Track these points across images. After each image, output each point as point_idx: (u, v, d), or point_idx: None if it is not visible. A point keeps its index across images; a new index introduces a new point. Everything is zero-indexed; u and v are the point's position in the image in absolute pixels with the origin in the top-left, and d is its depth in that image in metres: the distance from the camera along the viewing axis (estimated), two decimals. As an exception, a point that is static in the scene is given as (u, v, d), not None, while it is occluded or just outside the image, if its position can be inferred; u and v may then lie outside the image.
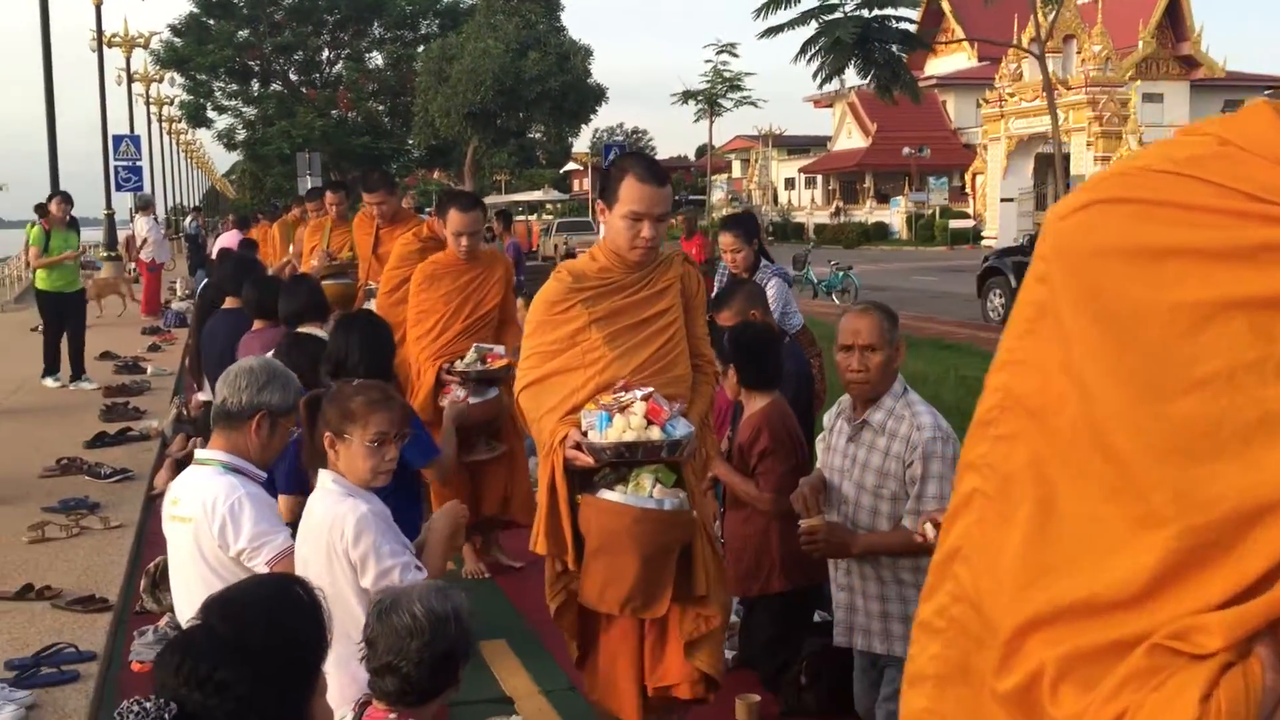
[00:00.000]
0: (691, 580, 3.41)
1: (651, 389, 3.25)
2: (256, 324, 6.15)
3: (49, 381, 11.50)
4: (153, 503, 7.22)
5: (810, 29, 7.96)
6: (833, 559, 3.66)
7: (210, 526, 3.15)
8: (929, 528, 3.12)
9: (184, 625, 3.38)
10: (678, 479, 3.34)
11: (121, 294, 18.76)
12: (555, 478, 3.31)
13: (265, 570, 3.09)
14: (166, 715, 1.56)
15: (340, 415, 3.01)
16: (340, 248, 8.43)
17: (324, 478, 3.02)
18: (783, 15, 7.99)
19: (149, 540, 6.49)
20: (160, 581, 5.38)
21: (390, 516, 3.00)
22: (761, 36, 8.01)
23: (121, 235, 19.12)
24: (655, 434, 3.17)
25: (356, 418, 3.00)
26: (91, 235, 21.00)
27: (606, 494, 3.26)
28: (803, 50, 7.98)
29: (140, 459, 8.24)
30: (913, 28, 8.64)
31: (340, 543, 2.90)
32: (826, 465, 3.71)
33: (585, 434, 3.22)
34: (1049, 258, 0.92)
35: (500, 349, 5.44)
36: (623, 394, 3.25)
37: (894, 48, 7.87)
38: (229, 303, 7.00)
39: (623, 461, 3.23)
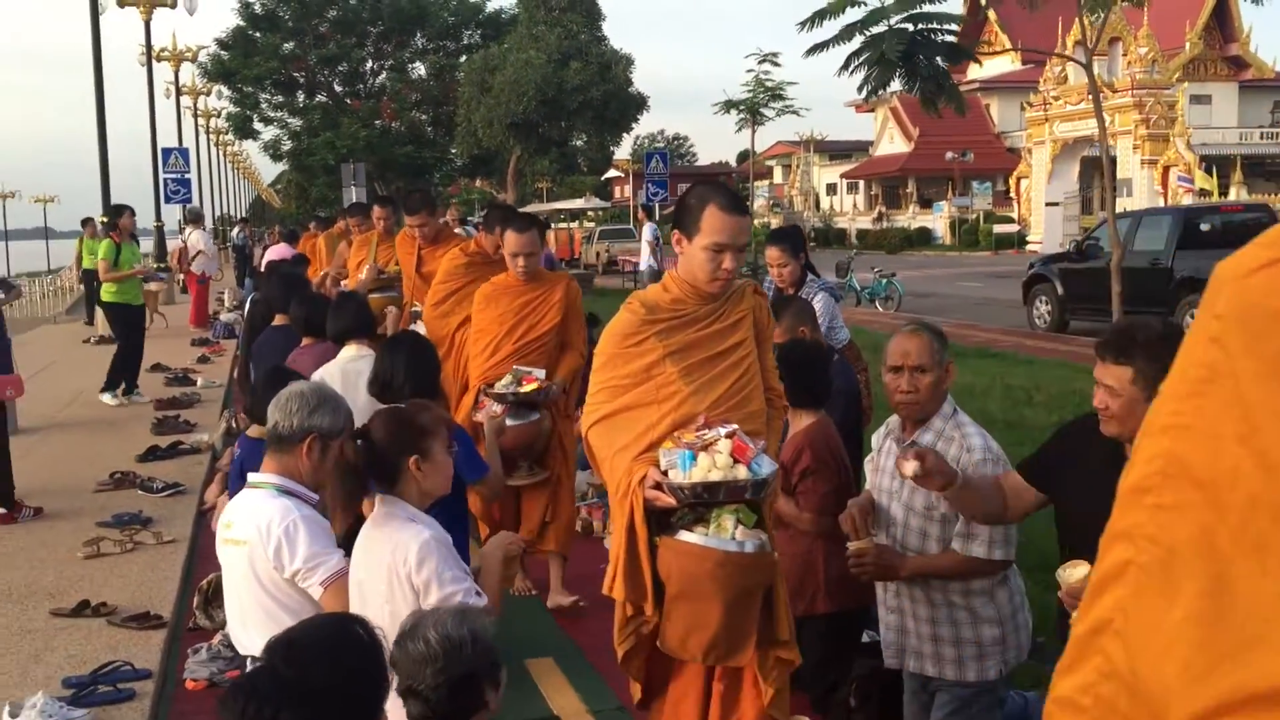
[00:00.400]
0: (774, 624, 3.30)
1: (735, 426, 3.11)
2: (305, 341, 6.22)
3: (107, 398, 11.48)
4: (204, 517, 7.32)
5: (855, 43, 7.91)
6: (881, 581, 3.64)
7: (265, 549, 3.18)
8: (909, 464, 3.08)
9: (238, 648, 3.43)
10: (758, 519, 3.20)
11: (149, 306, 18.74)
12: (634, 520, 3.15)
13: (319, 590, 3.12)
14: None
15: (418, 434, 3.04)
16: (388, 261, 8.48)
17: (386, 504, 3.03)
18: (828, 29, 7.96)
19: (201, 555, 6.57)
20: (213, 599, 5.45)
21: (450, 542, 3.02)
22: (808, 54, 7.96)
23: (171, 247, 19.53)
24: (742, 473, 3.04)
25: (433, 431, 3.07)
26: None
27: (687, 536, 3.12)
28: (846, 65, 7.93)
29: (191, 473, 8.35)
30: (955, 39, 8.58)
31: (403, 568, 2.91)
32: (875, 486, 3.69)
33: (665, 473, 3.08)
34: (1226, 317, 0.86)
35: (539, 372, 5.35)
36: (706, 431, 3.10)
37: (939, 60, 7.81)
38: (278, 320, 7.08)
39: (701, 502, 3.09)
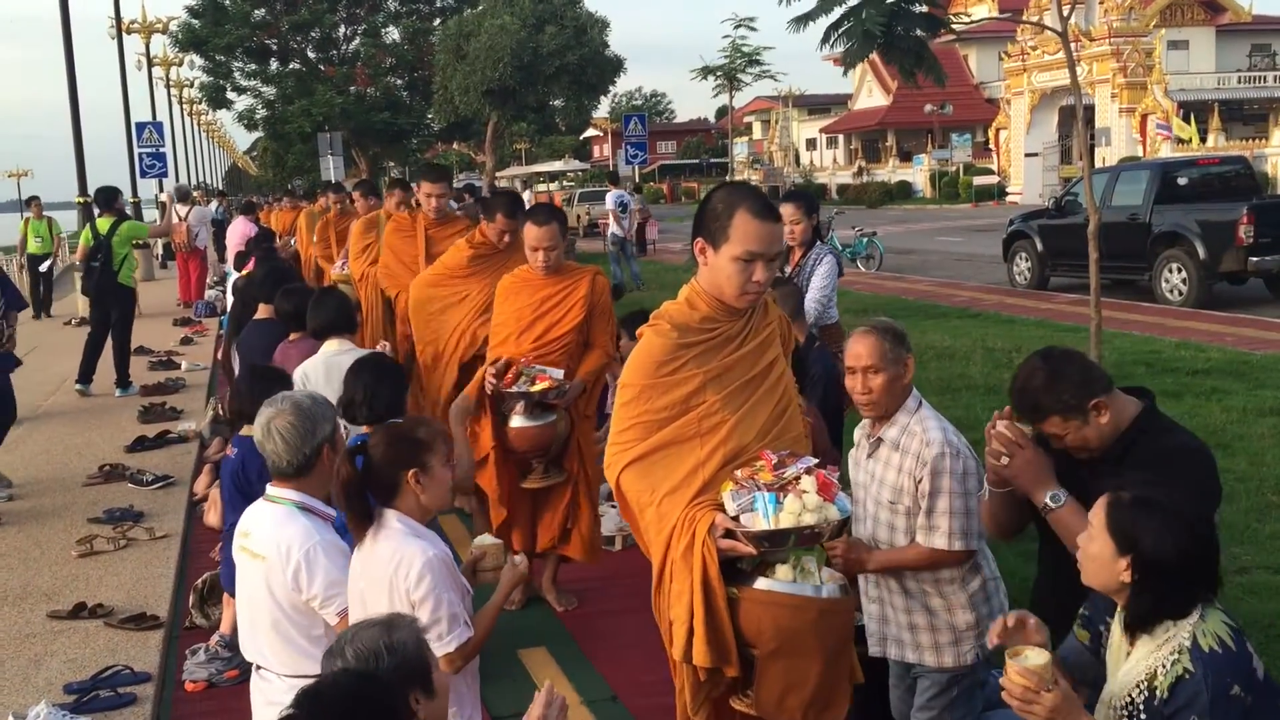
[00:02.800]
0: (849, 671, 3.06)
1: (815, 459, 2.77)
2: (293, 335, 6.24)
3: (120, 393, 11.25)
4: (195, 509, 7.37)
5: (835, 14, 7.88)
6: (850, 574, 3.72)
7: (284, 571, 3.22)
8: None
9: (243, 652, 3.49)
10: (825, 558, 2.92)
11: None
12: (709, 575, 2.78)
13: (335, 619, 3.16)
14: None
15: (417, 449, 3.10)
16: None
17: (389, 517, 3.08)
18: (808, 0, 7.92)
19: (194, 550, 6.63)
20: (208, 597, 5.52)
21: (453, 563, 3.09)
22: (795, 28, 7.91)
23: (176, 223, 18.99)
24: (833, 512, 2.69)
25: (433, 445, 3.12)
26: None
27: (774, 585, 2.77)
28: (826, 38, 7.92)
29: (180, 463, 8.38)
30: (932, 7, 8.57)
31: (404, 582, 2.98)
32: (853, 480, 3.77)
33: (735, 518, 2.73)
34: None
35: (556, 373, 5.01)
36: (785, 469, 2.73)
37: (918, 32, 7.81)
38: (261, 311, 7.07)
39: (771, 549, 2.75)
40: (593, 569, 5.77)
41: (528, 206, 6.25)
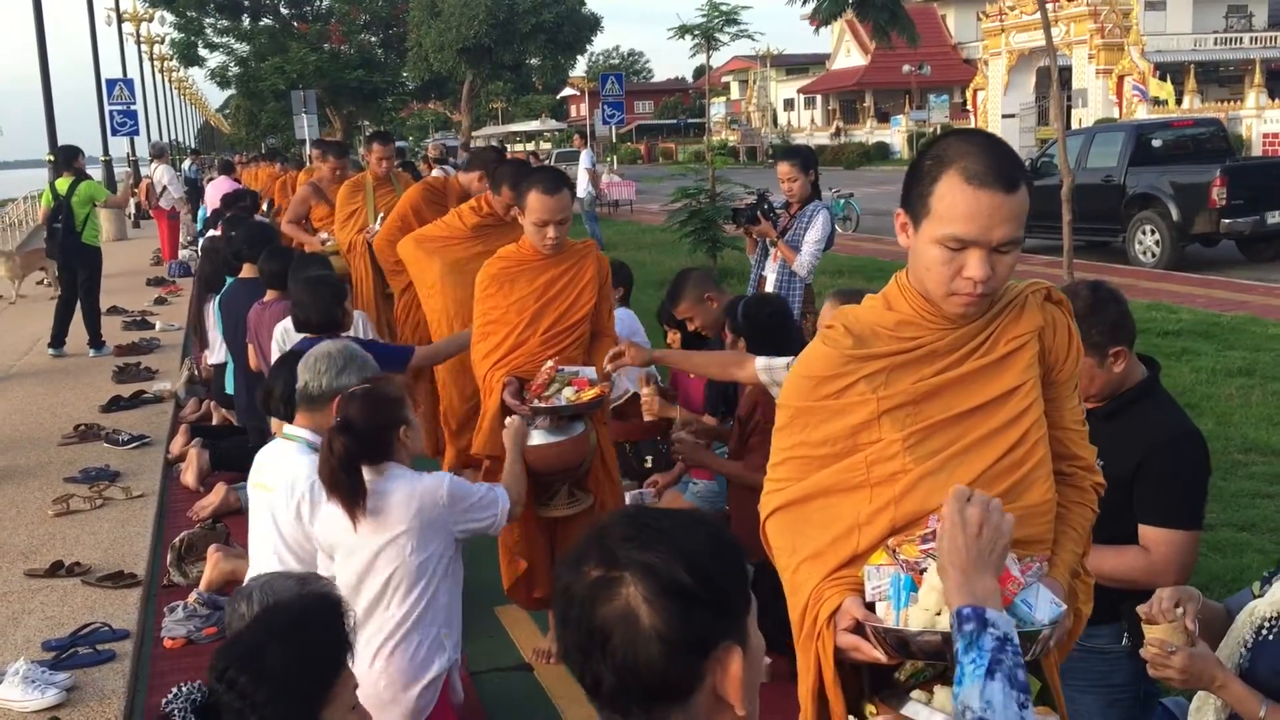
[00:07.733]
0: None
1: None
2: (270, 294, 6.22)
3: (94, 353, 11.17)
4: (171, 469, 7.37)
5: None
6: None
7: (288, 502, 3.42)
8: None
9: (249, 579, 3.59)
10: (1043, 687, 2.01)
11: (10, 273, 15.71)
12: (824, 681, 1.99)
13: None
14: (197, 696, 1.92)
15: (399, 405, 3.23)
16: (387, 210, 7.11)
17: (390, 468, 3.18)
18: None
19: (170, 509, 6.64)
20: (186, 555, 5.54)
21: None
22: None
23: (142, 183, 18.53)
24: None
25: (405, 398, 3.26)
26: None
27: (921, 711, 1.90)
28: (797, -6, 7.95)
29: (156, 422, 8.35)
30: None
31: (437, 507, 3.16)
32: None
33: (871, 606, 1.92)
34: None
35: (589, 372, 4.20)
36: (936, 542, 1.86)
37: (890, -10, 7.85)
38: (246, 270, 7.03)
39: (932, 657, 1.84)
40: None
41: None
